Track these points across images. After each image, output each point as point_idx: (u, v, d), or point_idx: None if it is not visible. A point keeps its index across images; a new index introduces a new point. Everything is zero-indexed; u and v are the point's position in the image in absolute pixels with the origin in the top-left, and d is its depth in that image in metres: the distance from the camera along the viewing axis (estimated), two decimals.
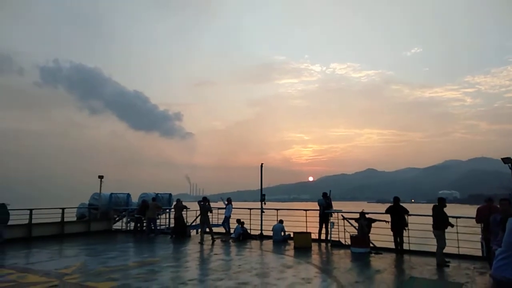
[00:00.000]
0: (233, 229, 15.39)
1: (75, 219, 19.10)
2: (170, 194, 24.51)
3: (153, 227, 17.00)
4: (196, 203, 15.08)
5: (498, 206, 7.97)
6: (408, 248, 11.32)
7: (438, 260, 9.47)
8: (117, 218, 20.95)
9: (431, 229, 9.93)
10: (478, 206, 9.92)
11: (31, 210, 15.19)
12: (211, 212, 14.82)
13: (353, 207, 18.56)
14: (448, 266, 9.36)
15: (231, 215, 16.27)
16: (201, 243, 13.66)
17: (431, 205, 10.22)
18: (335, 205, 14.87)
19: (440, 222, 9.59)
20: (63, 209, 16.44)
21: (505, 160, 10.39)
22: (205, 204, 14.41)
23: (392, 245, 11.40)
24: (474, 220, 11.85)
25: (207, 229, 14.59)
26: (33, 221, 15.13)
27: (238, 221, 15.41)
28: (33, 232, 14.99)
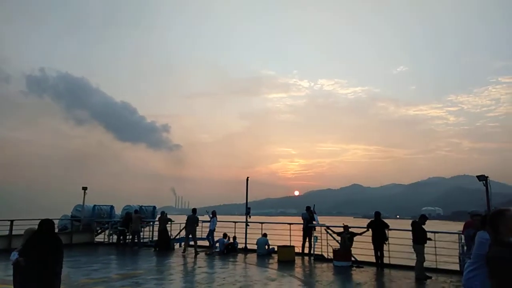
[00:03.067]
0: (218, 242, 15.39)
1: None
2: (155, 207, 24.28)
3: (136, 240, 16.88)
4: (181, 216, 15.13)
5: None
6: (388, 262, 11.58)
7: (417, 274, 9.75)
8: (99, 231, 20.67)
9: (411, 243, 10.24)
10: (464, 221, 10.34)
11: (11, 221, 14.92)
12: (197, 224, 14.89)
13: (339, 222, 18.80)
14: (431, 278, 9.63)
15: (216, 228, 16.30)
16: (184, 253, 13.68)
17: None
18: (321, 219, 15.05)
19: (419, 237, 9.91)
20: None
21: (480, 178, 10.85)
22: (194, 215, 14.55)
23: (373, 259, 11.66)
24: (452, 235, 12.35)
25: (191, 242, 14.61)
26: (14, 232, 14.84)
27: (225, 235, 15.45)
28: (14, 244, 14.62)
